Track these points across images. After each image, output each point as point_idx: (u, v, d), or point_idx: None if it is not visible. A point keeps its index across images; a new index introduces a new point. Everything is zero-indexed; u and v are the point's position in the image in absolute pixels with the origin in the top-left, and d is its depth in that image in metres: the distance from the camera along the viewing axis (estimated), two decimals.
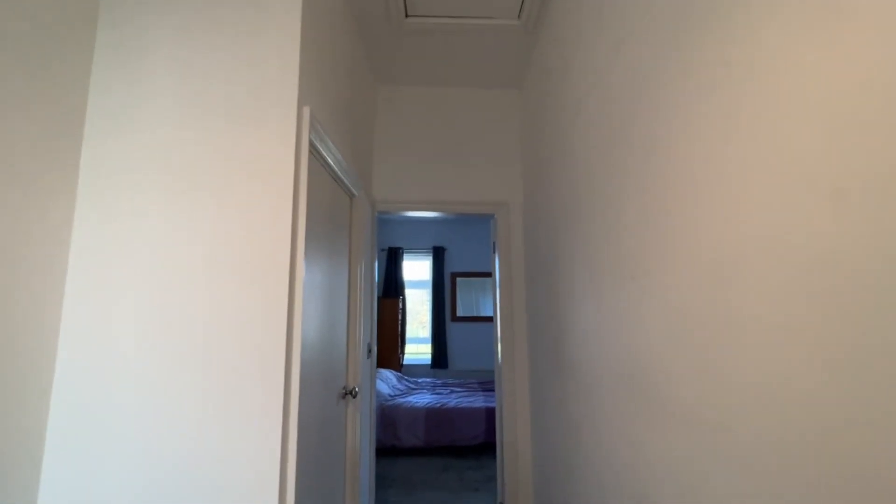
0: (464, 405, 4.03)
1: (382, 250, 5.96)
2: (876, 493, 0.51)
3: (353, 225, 2.18)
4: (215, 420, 1.21)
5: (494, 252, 2.83)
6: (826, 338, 0.58)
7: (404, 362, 5.80)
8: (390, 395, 4.36)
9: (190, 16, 1.39)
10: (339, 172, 1.84)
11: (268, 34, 1.39)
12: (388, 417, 3.91)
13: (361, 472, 2.14)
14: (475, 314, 5.90)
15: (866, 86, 0.53)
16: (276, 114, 1.35)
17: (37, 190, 1.17)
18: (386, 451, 3.95)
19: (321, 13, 1.63)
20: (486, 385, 4.94)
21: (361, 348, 2.17)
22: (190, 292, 1.27)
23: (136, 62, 1.37)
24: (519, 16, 2.17)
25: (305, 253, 1.41)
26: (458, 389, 4.77)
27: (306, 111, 1.41)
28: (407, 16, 2.19)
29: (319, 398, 1.64)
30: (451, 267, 6.01)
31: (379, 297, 5.62)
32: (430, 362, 5.80)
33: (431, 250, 5.97)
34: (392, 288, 5.78)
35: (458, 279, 5.97)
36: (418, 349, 5.98)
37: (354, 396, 2.04)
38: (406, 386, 4.89)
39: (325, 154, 1.64)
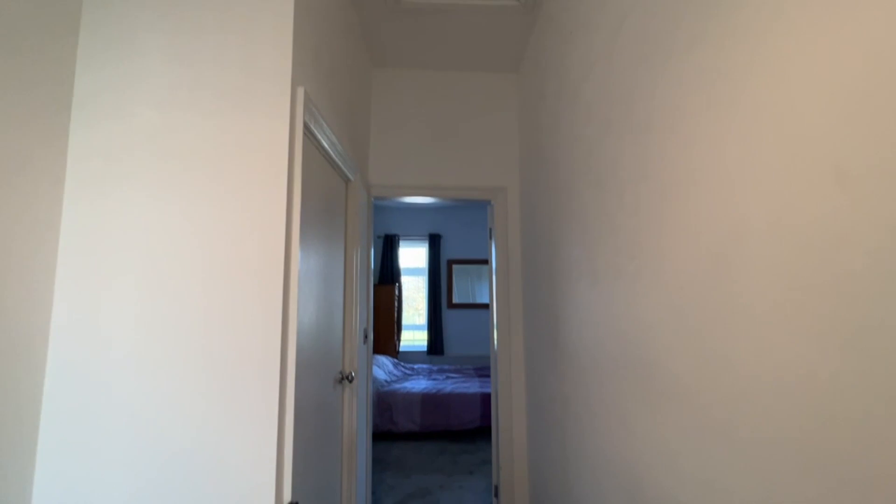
0: (460, 390, 4.06)
1: (379, 237, 5.94)
2: (874, 461, 0.52)
3: (349, 210, 2.16)
4: (211, 405, 1.21)
5: (491, 238, 2.82)
6: (826, 318, 0.58)
7: (400, 349, 5.84)
8: (386, 381, 4.39)
9: None
10: (334, 156, 1.81)
11: (261, 13, 1.35)
12: (384, 402, 3.94)
13: (358, 456, 2.15)
14: (471, 301, 5.93)
15: (871, 64, 0.52)
16: (269, 94, 1.32)
17: (22, 179, 1.14)
18: (382, 435, 3.99)
19: None
20: (482, 371, 4.99)
21: (358, 334, 2.17)
22: (184, 277, 1.25)
23: (124, 41, 1.32)
24: None
25: (301, 238, 1.40)
26: (454, 375, 4.80)
27: (300, 91, 1.38)
28: None
29: (316, 383, 1.64)
30: (447, 254, 6.01)
31: (375, 284, 5.63)
32: (426, 349, 5.83)
33: (427, 238, 5.96)
34: (388, 275, 5.78)
35: (455, 266, 5.98)
36: (414, 336, 6.01)
37: (351, 381, 2.04)
38: (402, 372, 4.93)
39: (319, 137, 1.61)
